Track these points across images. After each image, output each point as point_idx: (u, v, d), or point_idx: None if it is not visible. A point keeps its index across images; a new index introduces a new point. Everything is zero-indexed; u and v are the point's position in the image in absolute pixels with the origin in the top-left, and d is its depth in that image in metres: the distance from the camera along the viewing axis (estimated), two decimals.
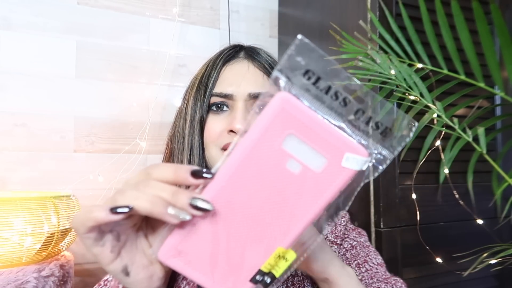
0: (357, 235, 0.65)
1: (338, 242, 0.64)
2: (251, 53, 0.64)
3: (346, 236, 0.65)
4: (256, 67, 0.63)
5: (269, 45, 1.31)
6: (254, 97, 0.60)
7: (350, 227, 0.67)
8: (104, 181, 1.07)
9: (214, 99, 0.61)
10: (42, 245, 0.73)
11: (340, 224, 0.66)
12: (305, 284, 0.61)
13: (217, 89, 0.61)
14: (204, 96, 0.61)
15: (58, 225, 0.74)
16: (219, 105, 0.61)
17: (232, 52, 0.64)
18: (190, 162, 0.61)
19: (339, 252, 0.63)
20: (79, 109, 1.07)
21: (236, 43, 0.67)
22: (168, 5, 1.18)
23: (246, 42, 0.70)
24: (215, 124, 0.60)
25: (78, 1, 1.08)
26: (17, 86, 1.01)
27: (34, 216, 0.71)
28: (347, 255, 0.63)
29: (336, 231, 0.65)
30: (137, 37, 1.15)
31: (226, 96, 0.60)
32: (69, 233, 0.79)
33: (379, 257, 0.64)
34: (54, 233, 0.74)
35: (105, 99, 1.10)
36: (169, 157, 0.66)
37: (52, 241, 0.74)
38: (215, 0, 1.25)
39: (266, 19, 1.32)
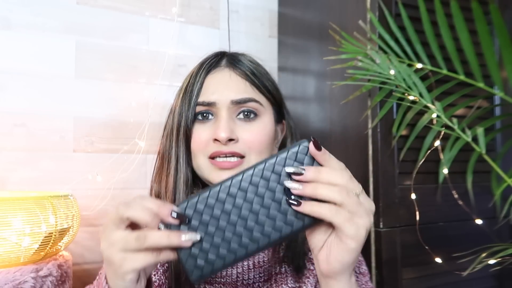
0: None
1: None
2: (233, 61, 0.66)
3: None
4: (238, 75, 0.65)
5: (268, 45, 1.30)
6: (237, 103, 0.62)
7: None
8: (103, 180, 1.06)
9: (199, 108, 0.63)
10: (40, 245, 0.72)
11: None
12: (288, 281, 0.62)
13: (201, 99, 0.63)
14: (189, 107, 0.63)
15: (56, 225, 0.74)
16: (204, 114, 0.63)
17: (214, 61, 0.67)
18: (176, 173, 0.63)
19: None
20: (79, 109, 1.07)
21: (218, 51, 0.70)
22: (168, 5, 1.18)
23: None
24: (201, 133, 0.63)
25: (77, 1, 1.08)
26: (16, 86, 1.01)
27: (32, 216, 0.71)
28: None
29: None
30: (137, 37, 1.15)
31: (209, 104, 0.63)
32: (67, 233, 0.79)
33: (364, 266, 0.67)
34: (52, 233, 0.73)
35: (105, 99, 1.10)
36: (160, 168, 0.68)
37: (50, 241, 0.74)
38: (215, 0, 1.25)
39: (265, 19, 1.32)
